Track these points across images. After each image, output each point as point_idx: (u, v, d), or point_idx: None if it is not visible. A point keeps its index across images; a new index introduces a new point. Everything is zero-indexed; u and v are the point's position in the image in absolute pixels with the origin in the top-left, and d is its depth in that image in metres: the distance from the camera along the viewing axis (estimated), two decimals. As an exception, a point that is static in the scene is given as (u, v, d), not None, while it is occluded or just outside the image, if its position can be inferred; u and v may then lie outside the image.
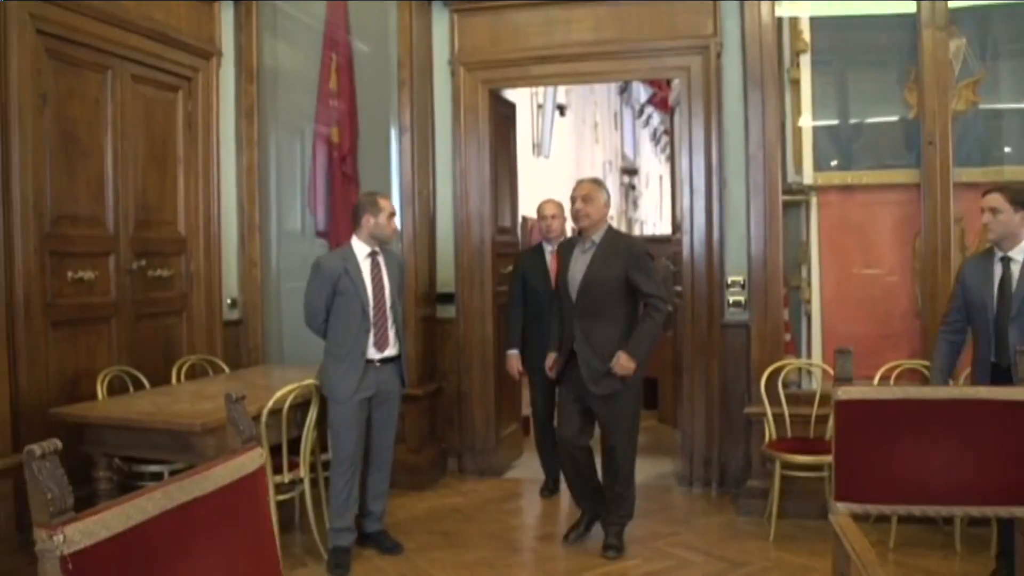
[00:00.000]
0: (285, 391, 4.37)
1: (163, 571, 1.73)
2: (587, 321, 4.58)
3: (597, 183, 4.78)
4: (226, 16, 6.27)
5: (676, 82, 6.24)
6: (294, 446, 4.58)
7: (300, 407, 4.53)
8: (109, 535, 1.59)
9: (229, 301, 6.21)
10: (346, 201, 5.93)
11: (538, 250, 5.76)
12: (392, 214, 4.67)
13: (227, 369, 5.71)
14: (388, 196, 4.86)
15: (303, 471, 4.52)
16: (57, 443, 1.55)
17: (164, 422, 4.09)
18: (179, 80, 5.85)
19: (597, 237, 4.64)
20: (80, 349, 4.97)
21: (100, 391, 4.83)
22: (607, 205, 4.74)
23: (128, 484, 4.58)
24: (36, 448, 1.52)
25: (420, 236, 6.03)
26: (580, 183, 4.80)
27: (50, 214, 4.75)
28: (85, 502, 4.06)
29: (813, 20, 5.46)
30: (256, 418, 4.20)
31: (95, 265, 5.07)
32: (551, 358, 4.89)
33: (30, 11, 4.56)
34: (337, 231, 6.02)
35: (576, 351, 4.60)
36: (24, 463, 1.53)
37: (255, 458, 2.04)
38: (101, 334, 5.13)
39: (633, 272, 4.53)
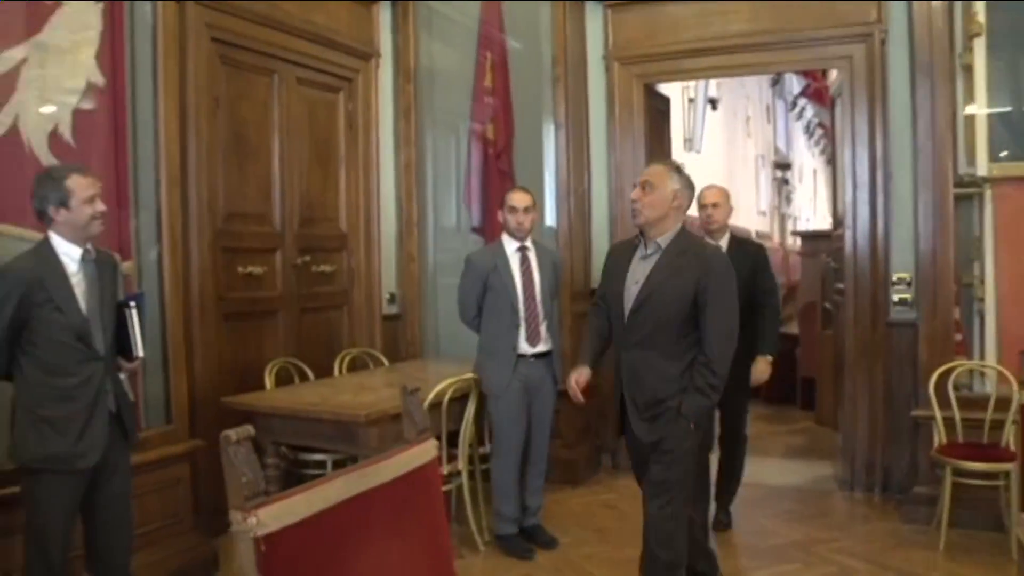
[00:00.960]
0: (445, 384, 4.44)
1: (346, 557, 1.78)
2: (637, 351, 3.51)
3: (668, 167, 3.57)
4: (384, 18, 6.43)
5: (834, 73, 6.04)
6: (452, 439, 4.65)
7: (459, 400, 4.60)
8: (297, 520, 1.64)
9: (388, 296, 6.37)
10: (501, 197, 5.98)
11: None
12: (513, 208, 4.71)
13: (386, 362, 5.85)
14: (523, 191, 4.83)
15: (461, 464, 4.59)
16: (250, 429, 1.62)
17: (329, 412, 4.23)
18: (340, 81, 6.03)
19: (664, 240, 3.48)
20: (249, 341, 5.20)
21: (268, 381, 5.04)
22: (678, 197, 3.48)
23: (293, 471, 4.78)
24: (232, 434, 1.59)
25: (575, 232, 6.03)
26: (649, 166, 3.76)
27: (222, 212, 4.99)
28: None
29: (989, 1, 5.17)
30: (416, 410, 4.30)
31: (263, 261, 5.30)
32: (582, 373, 3.95)
33: (206, 20, 4.80)
34: (492, 227, 6.07)
35: (625, 393, 3.58)
36: (221, 448, 1.60)
37: (429, 449, 2.07)
38: (268, 327, 5.35)
39: (704, 296, 3.39)
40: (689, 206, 3.65)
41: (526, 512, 4.77)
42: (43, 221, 3.27)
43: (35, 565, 3.15)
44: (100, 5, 4.20)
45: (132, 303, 3.36)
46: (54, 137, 3.94)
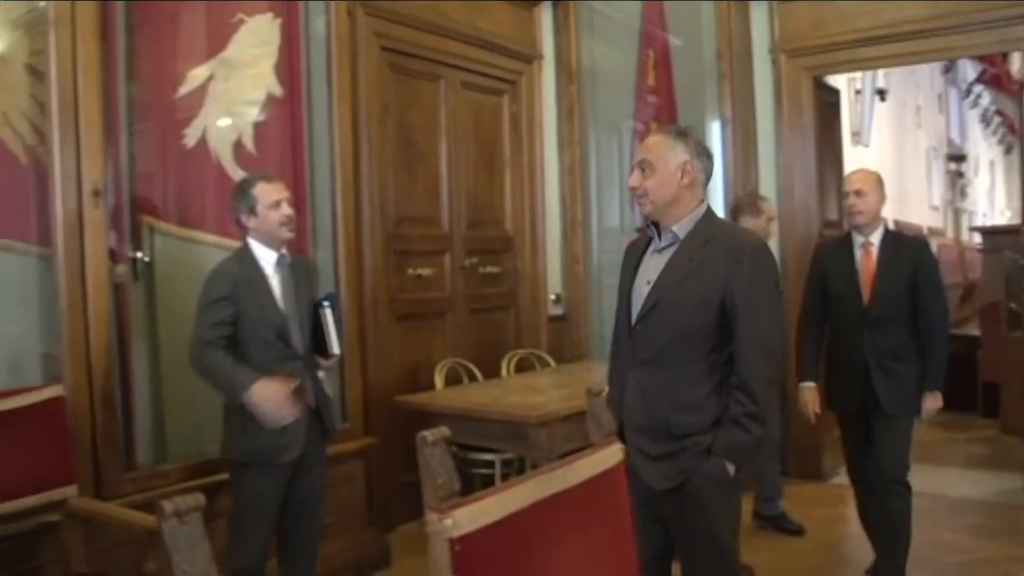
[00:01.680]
0: (614, 386, 4.40)
1: (535, 560, 1.77)
2: (646, 372, 2.73)
3: (667, 135, 2.76)
4: (545, 20, 6.45)
5: (1016, 57, 5.67)
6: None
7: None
8: (490, 521, 1.65)
9: (553, 297, 6.39)
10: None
11: (844, 242, 4.11)
12: (771, 218, 4.76)
13: (553, 363, 5.86)
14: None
15: (630, 466, 4.54)
16: (445, 431, 1.64)
17: (500, 413, 4.26)
18: (504, 84, 6.09)
19: (682, 228, 2.70)
20: (420, 341, 5.32)
21: (438, 381, 5.13)
22: (689, 171, 2.69)
23: (462, 470, 4.84)
24: (428, 435, 1.61)
25: (742, 231, 5.90)
26: (646, 139, 2.87)
27: (393, 215, 5.12)
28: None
29: None
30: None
31: (432, 263, 5.41)
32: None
33: (375, 30, 4.94)
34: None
35: (626, 425, 2.77)
36: (417, 449, 1.62)
37: (615, 453, 2.04)
38: (437, 328, 5.46)
39: (733, 299, 2.61)
40: (709, 179, 2.80)
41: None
42: (241, 229, 3.46)
43: (236, 549, 3.34)
44: (278, 20, 4.38)
45: (326, 303, 3.49)
46: (238, 147, 4.14)
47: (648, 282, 2.72)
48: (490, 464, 4.79)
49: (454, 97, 5.62)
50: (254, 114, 4.23)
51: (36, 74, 3.57)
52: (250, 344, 3.33)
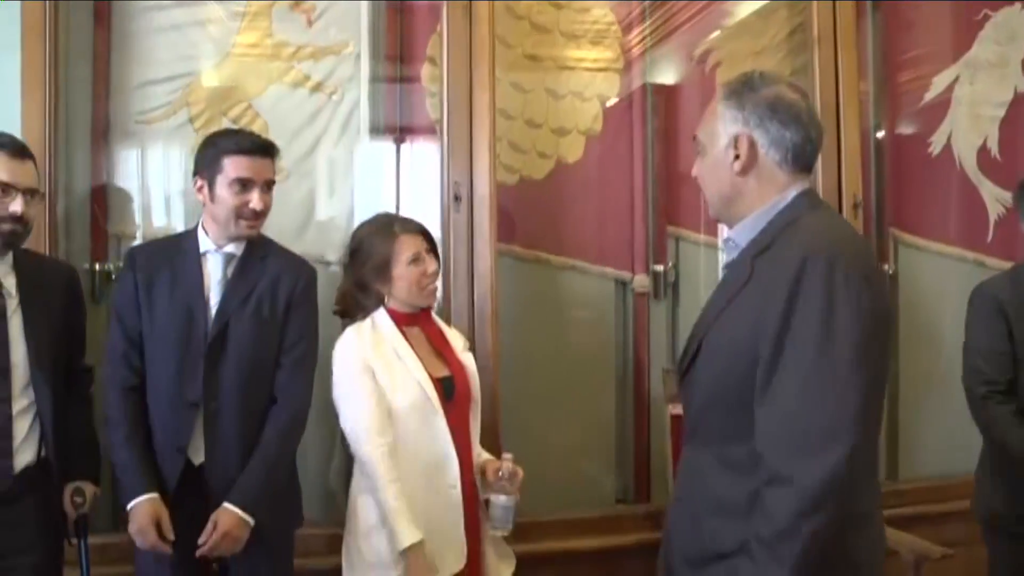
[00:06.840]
0: None
1: None
2: (690, 451, 1.82)
3: (719, 97, 1.79)
4: None
5: None
6: None
7: None
8: None
9: None
10: None
11: None
12: None
13: None
14: None
15: None
16: None
17: None
18: None
19: (741, 234, 1.77)
20: None
21: None
22: (742, 145, 1.71)
23: None
24: None
25: None
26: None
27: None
28: None
29: None
30: None
31: None
32: None
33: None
34: None
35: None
36: None
37: None
38: None
39: (763, 343, 1.57)
40: (799, 155, 1.72)
41: None
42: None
43: None
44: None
45: None
46: (982, 152, 3.94)
47: (709, 319, 1.79)
48: None
49: None
50: (1000, 116, 3.98)
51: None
52: None
